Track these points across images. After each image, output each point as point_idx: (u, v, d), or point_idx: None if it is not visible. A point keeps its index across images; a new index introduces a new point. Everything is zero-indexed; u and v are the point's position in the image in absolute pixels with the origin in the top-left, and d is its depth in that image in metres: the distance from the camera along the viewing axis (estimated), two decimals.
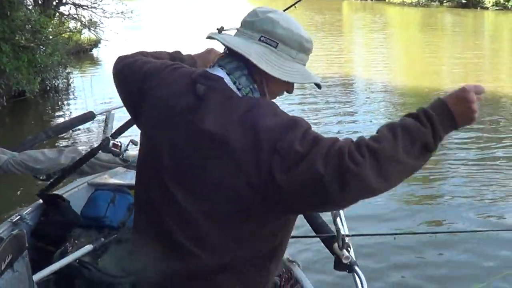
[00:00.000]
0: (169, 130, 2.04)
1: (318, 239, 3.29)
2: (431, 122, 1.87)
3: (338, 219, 3.13)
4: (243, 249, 2.02)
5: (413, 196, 8.72)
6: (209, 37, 2.16)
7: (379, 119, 13.61)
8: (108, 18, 21.66)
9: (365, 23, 38.44)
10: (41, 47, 13.77)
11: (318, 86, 2.21)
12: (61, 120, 12.81)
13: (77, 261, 3.45)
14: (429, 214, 8.12)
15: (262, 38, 2.04)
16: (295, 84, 2.17)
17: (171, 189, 2.03)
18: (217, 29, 2.21)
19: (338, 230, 3.02)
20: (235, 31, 2.17)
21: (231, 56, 2.07)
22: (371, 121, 13.35)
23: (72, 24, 20.21)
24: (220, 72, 2.04)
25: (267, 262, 2.11)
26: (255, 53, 2.00)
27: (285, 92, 2.23)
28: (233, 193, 1.91)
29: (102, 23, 20.86)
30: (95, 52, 24.05)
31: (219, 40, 2.12)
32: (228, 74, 2.03)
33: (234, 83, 2.02)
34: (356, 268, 2.87)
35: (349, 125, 13.00)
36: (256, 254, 2.06)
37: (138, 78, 2.24)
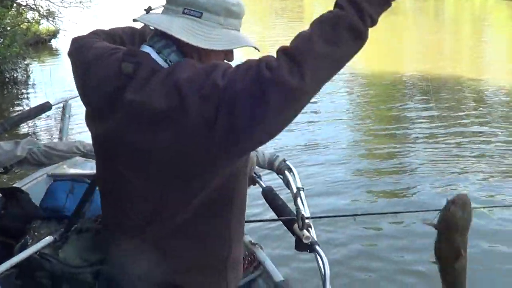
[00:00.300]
0: (109, 116, 2.00)
1: (280, 222, 3.29)
2: (352, 1, 1.80)
3: (298, 200, 3.14)
4: (196, 209, 1.99)
5: (374, 172, 8.85)
6: (135, 20, 2.11)
7: (341, 100, 13.72)
8: (67, 8, 21.40)
9: (327, 9, 38.48)
10: None
11: (257, 49, 2.14)
12: (21, 111, 12.62)
13: (38, 253, 3.40)
14: (391, 190, 8.23)
15: (185, 11, 1.98)
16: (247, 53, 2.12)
17: (127, 176, 2.01)
18: (145, 9, 2.16)
19: (298, 210, 3.03)
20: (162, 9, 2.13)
21: (158, 35, 2.02)
22: (333, 102, 13.45)
23: (30, 14, 19.93)
24: (147, 49, 2.00)
25: (225, 227, 2.10)
26: (177, 26, 1.95)
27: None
28: (180, 155, 1.87)
29: (60, 13, 20.60)
30: (54, 42, 23.76)
31: (142, 21, 2.09)
32: (158, 53, 1.98)
33: (165, 61, 1.97)
34: (317, 247, 2.87)
35: (309, 105, 12.99)
36: (212, 213, 2.03)
37: (83, 65, 2.20)
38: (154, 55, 1.97)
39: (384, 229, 6.80)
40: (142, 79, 1.91)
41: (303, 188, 3.30)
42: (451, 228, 2.07)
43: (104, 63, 2.07)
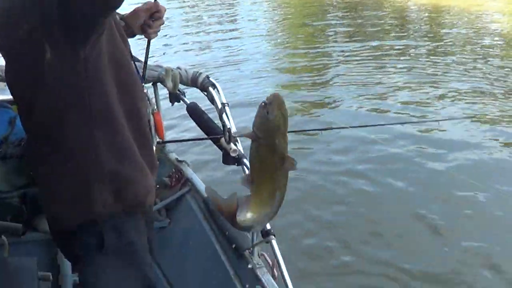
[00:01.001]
0: None
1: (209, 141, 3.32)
2: None
3: (224, 115, 3.17)
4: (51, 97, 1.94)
5: (295, 86, 9.07)
6: None
7: (261, 17, 13.71)
8: None
9: None
10: None
11: None
12: None
13: None
14: (311, 103, 8.43)
15: None
16: None
17: None
18: None
19: (224, 125, 3.06)
20: None
21: None
22: (253, 19, 13.46)
23: None
24: None
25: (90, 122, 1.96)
26: None
27: None
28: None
29: None
30: None
31: None
32: None
33: None
34: (245, 160, 2.93)
35: (229, 23, 13.01)
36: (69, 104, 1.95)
37: None
38: None
39: (307, 146, 6.99)
40: None
41: (227, 104, 3.31)
42: (274, 134, 1.84)
43: None
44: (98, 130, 1.96)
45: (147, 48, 2.75)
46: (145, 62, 2.90)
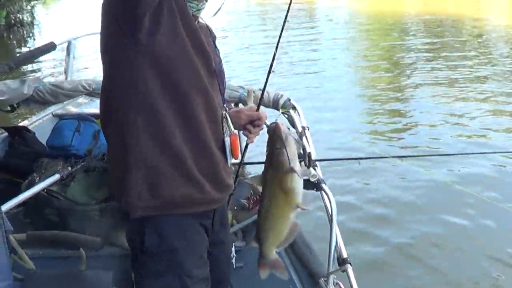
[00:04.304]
0: None
1: None
2: None
3: (304, 138, 3.13)
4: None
5: (378, 114, 8.87)
6: None
7: (341, 41, 13.64)
8: None
9: None
10: None
11: None
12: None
13: (45, 190, 3.43)
14: (396, 133, 8.22)
15: None
16: None
17: None
18: None
19: (304, 148, 3.02)
20: None
21: None
22: (332, 41, 13.44)
23: None
24: None
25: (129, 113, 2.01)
26: None
27: None
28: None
29: None
30: None
31: None
32: None
33: None
34: (324, 186, 2.87)
35: (311, 45, 13.00)
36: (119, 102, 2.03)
37: None
38: None
39: (388, 174, 6.79)
40: None
41: (308, 127, 3.28)
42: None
43: None
44: (140, 115, 1.99)
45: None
46: None
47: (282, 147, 2.02)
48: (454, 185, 6.20)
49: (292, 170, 2.00)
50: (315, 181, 2.92)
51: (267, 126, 2.04)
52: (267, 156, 2.08)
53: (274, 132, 2.04)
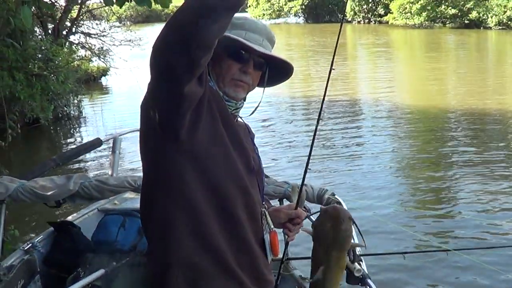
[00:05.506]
0: None
1: None
2: None
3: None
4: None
5: (423, 208, 8.74)
6: None
7: (383, 134, 13.65)
8: (117, 46, 21.85)
9: (369, 45, 38.57)
10: (53, 75, 13.92)
11: None
12: (73, 146, 12.87)
13: (90, 285, 3.44)
14: (440, 230, 8.04)
15: None
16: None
17: None
18: None
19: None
20: None
21: None
22: (374, 135, 13.47)
23: (81, 52, 20.38)
24: None
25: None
26: None
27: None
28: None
29: (111, 51, 21.05)
30: (104, 80, 24.13)
31: None
32: None
33: None
34: (369, 281, 2.85)
35: (354, 139, 13.06)
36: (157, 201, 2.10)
37: None
38: None
39: (432, 268, 6.65)
40: None
41: (354, 222, 3.26)
42: (319, 239, 2.15)
43: None
44: (180, 212, 2.03)
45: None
46: None
47: (349, 225, 2.16)
48: None
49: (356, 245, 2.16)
50: (360, 276, 2.90)
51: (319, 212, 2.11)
52: (322, 238, 2.15)
53: (337, 212, 2.16)
